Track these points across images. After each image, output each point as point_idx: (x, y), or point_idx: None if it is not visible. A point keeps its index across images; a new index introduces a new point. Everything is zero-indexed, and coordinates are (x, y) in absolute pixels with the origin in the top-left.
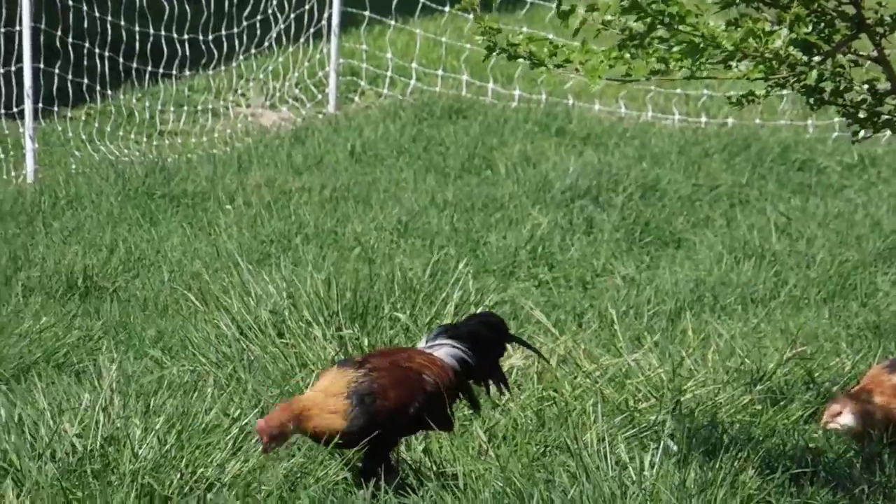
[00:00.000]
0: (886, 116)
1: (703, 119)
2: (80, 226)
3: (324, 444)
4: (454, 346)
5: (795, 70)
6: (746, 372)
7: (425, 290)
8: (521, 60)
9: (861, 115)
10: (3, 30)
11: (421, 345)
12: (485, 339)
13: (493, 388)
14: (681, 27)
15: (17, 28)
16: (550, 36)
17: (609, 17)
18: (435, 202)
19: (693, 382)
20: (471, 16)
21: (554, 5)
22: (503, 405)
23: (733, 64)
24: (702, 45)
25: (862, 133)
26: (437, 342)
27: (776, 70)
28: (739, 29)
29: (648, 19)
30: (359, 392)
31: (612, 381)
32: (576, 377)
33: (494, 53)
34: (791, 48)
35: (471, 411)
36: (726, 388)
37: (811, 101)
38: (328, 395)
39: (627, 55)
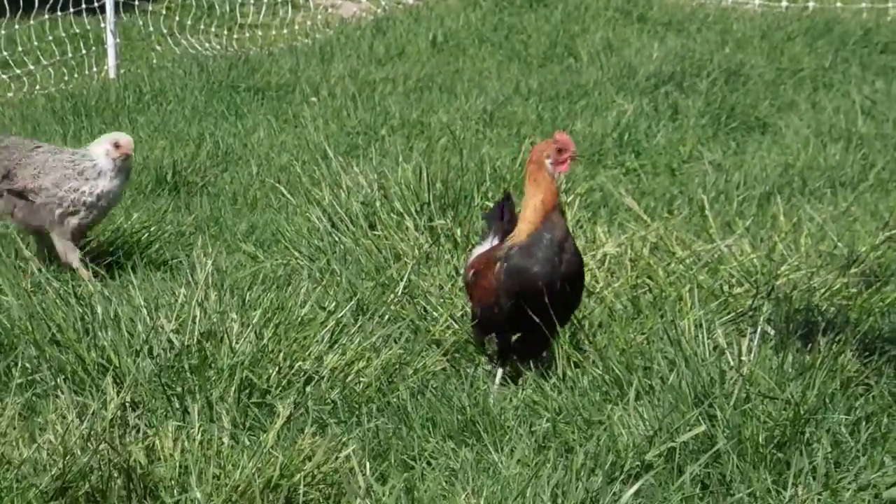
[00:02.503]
0: None
1: (784, 3)
2: (165, 120)
3: None
4: None
5: None
6: (839, 256)
7: (515, 180)
8: None
9: None
10: None
11: None
12: None
13: None
14: None
15: None
16: None
17: None
18: (519, 91)
19: (786, 267)
20: None
21: None
22: (597, 293)
23: None
24: None
25: None
26: None
27: None
28: None
29: None
30: None
31: (706, 267)
32: (669, 264)
33: None
34: None
35: None
36: (820, 273)
37: None
38: None
39: None
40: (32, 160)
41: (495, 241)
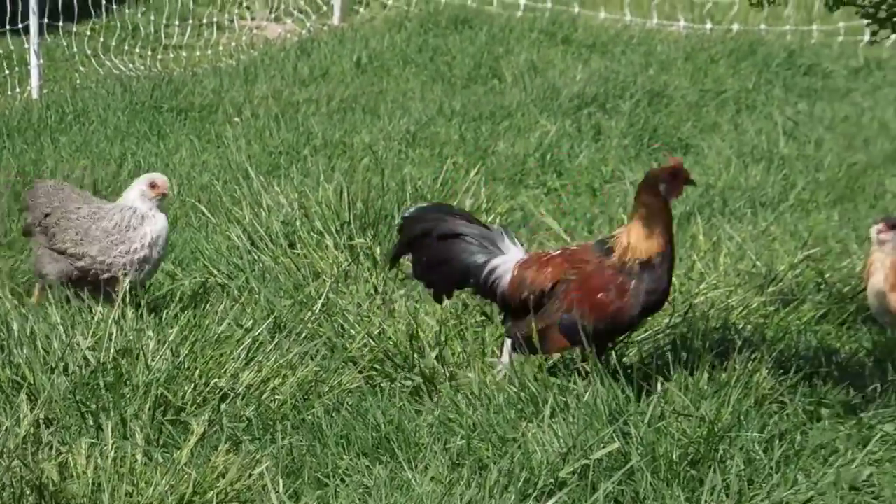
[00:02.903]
0: None
1: (708, 25)
2: (87, 140)
3: None
4: None
5: None
6: (758, 275)
7: (436, 199)
8: None
9: (881, 14)
10: None
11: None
12: None
13: None
14: None
15: None
16: None
17: None
18: (442, 111)
19: (705, 286)
20: None
21: None
22: None
23: None
24: None
25: (880, 34)
26: None
27: None
28: None
29: None
30: None
31: None
32: None
33: None
34: None
35: (482, 318)
36: (738, 291)
37: (830, 1)
38: None
39: None
40: (73, 224)
41: (520, 253)
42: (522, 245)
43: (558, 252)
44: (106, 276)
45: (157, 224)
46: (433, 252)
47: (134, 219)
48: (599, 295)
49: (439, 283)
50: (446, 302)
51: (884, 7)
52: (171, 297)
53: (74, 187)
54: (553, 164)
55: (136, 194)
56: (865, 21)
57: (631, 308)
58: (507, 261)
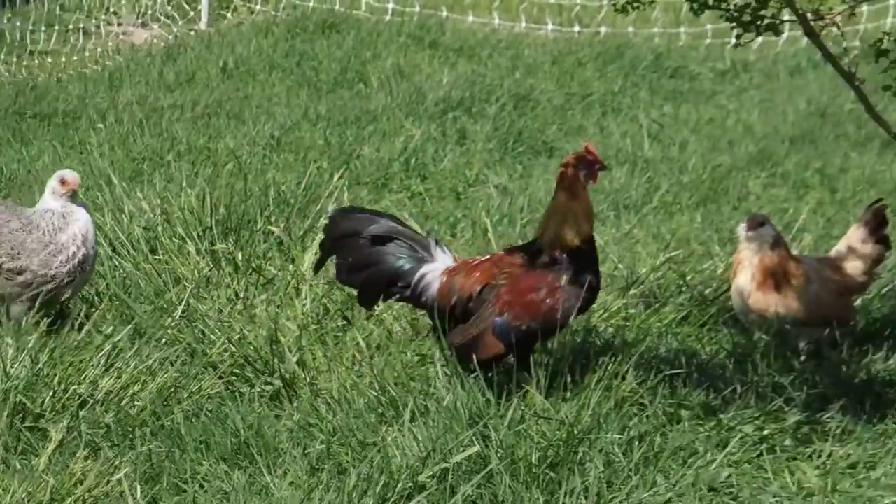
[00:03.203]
0: (769, 20)
1: (576, 28)
2: None
3: None
4: None
5: None
6: (620, 277)
7: (299, 204)
8: None
9: (744, 18)
10: None
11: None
12: None
13: None
14: None
15: None
16: None
17: None
18: (308, 116)
19: None
20: None
21: None
22: (376, 316)
23: None
24: None
25: (744, 37)
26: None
27: None
28: None
29: None
30: None
31: None
32: None
33: None
34: None
35: (343, 322)
36: (600, 294)
37: (694, 5)
38: None
39: None
40: (5, 238)
41: (449, 261)
42: (451, 254)
43: (487, 257)
44: (50, 287)
45: (81, 219)
46: (363, 253)
47: (55, 220)
48: (531, 295)
49: (367, 288)
50: (376, 309)
51: (748, 10)
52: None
53: None
54: (418, 168)
55: (48, 194)
56: (730, 24)
57: (563, 304)
58: (437, 268)
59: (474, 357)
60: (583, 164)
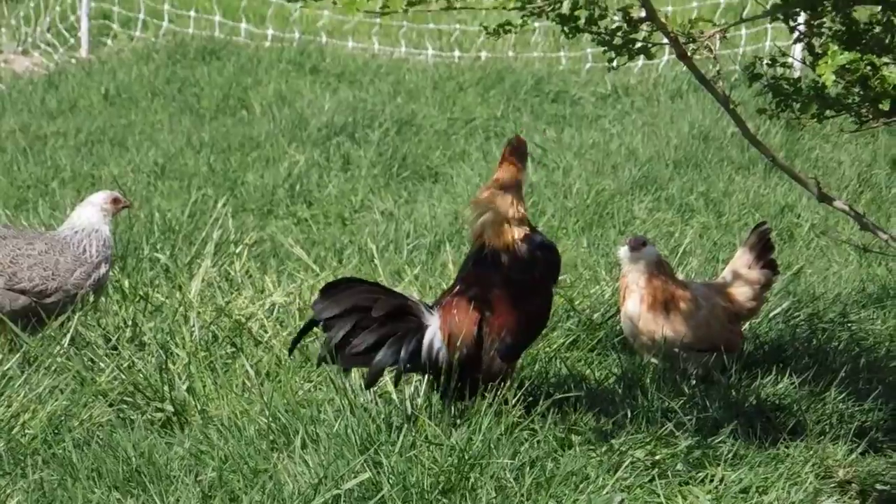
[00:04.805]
0: (641, 43)
1: (457, 53)
2: None
3: None
4: None
5: None
6: None
7: (185, 231)
8: None
9: (616, 42)
10: None
11: None
12: None
13: None
14: None
15: None
16: None
17: None
18: (191, 143)
19: None
20: None
21: None
22: (265, 342)
23: None
24: None
25: (617, 61)
26: None
27: None
28: None
29: None
30: None
31: None
32: None
33: None
34: None
35: (232, 349)
36: None
37: (566, 29)
38: None
39: None
40: (36, 260)
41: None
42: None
43: (455, 293)
44: (67, 306)
45: (106, 236)
46: (372, 333)
47: (97, 239)
48: (513, 307)
49: (380, 363)
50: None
51: (619, 34)
52: None
53: None
54: (303, 194)
55: (93, 213)
56: (601, 48)
57: (541, 300)
58: (434, 329)
59: (493, 384)
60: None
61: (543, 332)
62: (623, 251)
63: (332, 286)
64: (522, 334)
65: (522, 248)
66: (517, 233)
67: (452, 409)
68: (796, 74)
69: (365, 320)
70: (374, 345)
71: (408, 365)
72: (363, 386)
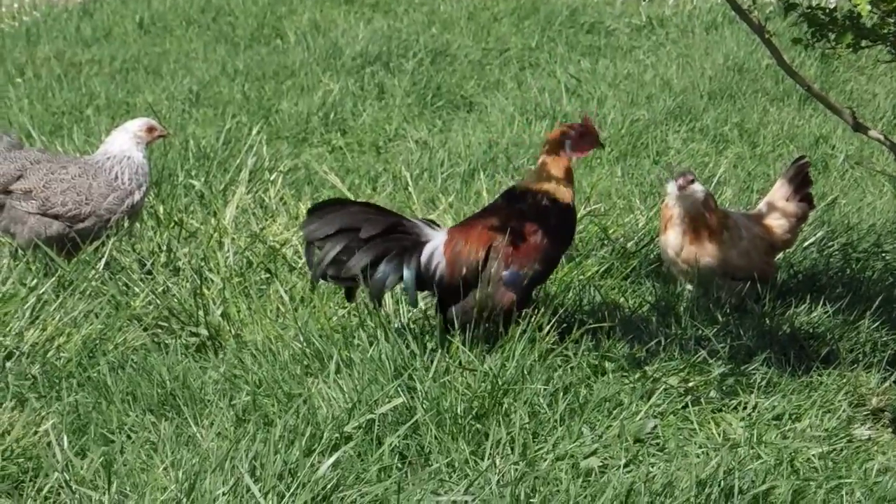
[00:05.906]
0: None
1: None
2: None
3: None
4: None
5: None
6: None
7: (219, 158)
8: None
9: None
10: None
11: None
12: None
13: None
14: None
15: None
16: None
17: None
18: (226, 72)
19: None
20: None
21: None
22: (300, 268)
23: None
24: None
25: None
26: None
27: None
28: None
29: None
30: None
31: None
32: None
33: None
34: None
35: (266, 275)
36: None
37: None
38: None
39: None
40: (69, 184)
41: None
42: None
43: (475, 220)
44: (101, 231)
45: (140, 162)
46: (367, 250)
47: (129, 166)
48: (530, 239)
49: (379, 280)
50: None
51: None
52: None
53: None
54: (337, 122)
55: (127, 139)
56: None
57: (558, 242)
58: (437, 245)
59: (495, 312)
60: (568, 137)
61: (578, 260)
62: (671, 188)
63: (319, 207)
64: (531, 268)
65: (554, 199)
66: (555, 187)
67: (478, 330)
68: (832, 4)
69: (356, 240)
70: (371, 263)
71: (409, 281)
72: (368, 304)
